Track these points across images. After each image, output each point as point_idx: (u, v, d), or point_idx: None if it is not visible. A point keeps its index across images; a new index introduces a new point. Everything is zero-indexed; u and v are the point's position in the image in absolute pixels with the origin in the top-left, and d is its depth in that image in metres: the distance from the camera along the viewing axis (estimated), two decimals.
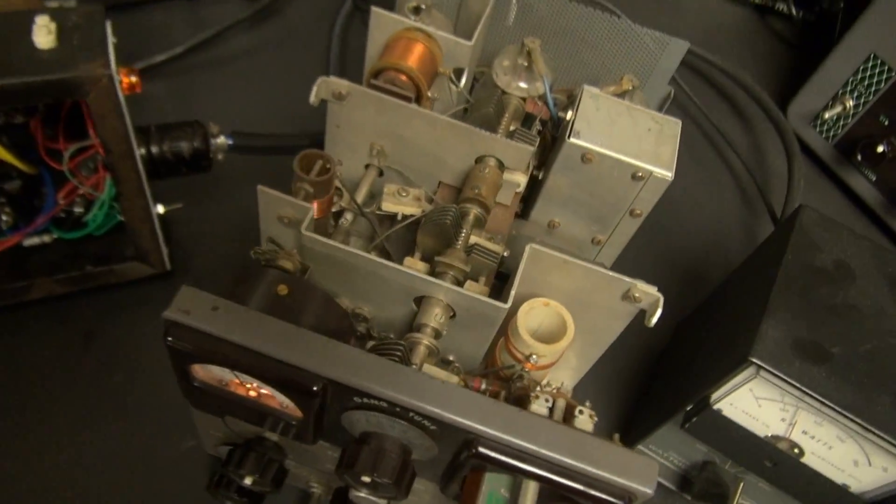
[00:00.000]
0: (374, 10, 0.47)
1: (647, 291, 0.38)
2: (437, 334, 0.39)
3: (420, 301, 0.39)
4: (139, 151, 0.46)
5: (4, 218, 0.48)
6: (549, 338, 0.40)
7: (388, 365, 0.32)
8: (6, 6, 0.45)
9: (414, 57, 0.46)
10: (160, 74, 0.66)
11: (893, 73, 0.67)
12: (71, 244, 0.51)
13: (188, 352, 0.31)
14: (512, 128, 0.48)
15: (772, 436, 0.44)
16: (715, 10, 0.90)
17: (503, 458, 0.32)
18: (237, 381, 0.34)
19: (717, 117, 0.75)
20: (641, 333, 0.42)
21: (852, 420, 0.39)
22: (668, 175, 0.44)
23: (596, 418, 0.35)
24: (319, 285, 0.39)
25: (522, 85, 0.50)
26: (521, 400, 0.37)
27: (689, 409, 0.45)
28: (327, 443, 0.39)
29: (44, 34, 0.41)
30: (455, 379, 0.38)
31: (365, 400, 0.32)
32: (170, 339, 0.31)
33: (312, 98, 0.42)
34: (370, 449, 0.33)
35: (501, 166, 0.45)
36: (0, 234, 0.48)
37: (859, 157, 0.70)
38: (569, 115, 0.45)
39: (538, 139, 0.48)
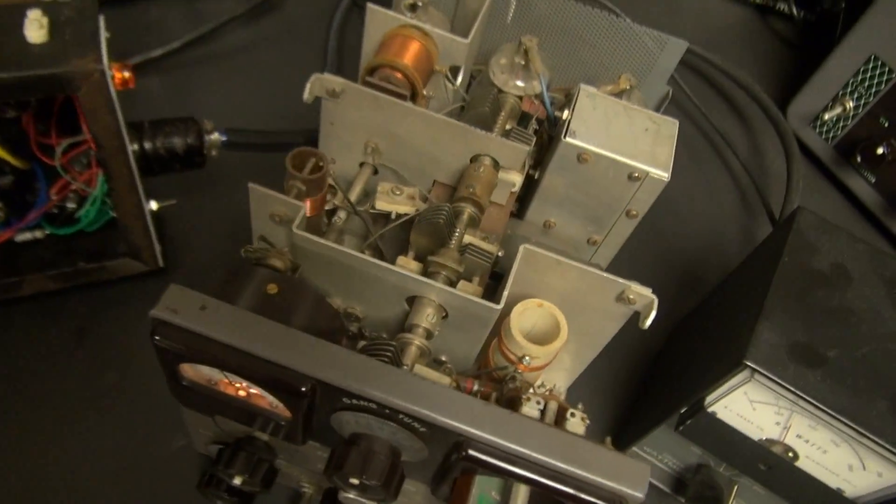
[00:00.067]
0: (370, 6, 0.47)
1: (642, 293, 0.38)
2: (429, 335, 0.38)
3: (412, 301, 0.39)
4: (131, 147, 0.45)
5: None
6: (543, 339, 0.39)
7: (377, 366, 0.32)
8: None
9: (410, 54, 0.46)
10: (156, 69, 0.66)
11: (894, 75, 0.66)
12: (63, 240, 0.51)
13: (176, 351, 0.31)
14: (508, 127, 0.48)
15: (766, 439, 0.43)
16: (715, 10, 0.90)
17: (493, 460, 0.31)
18: (226, 380, 0.34)
19: (716, 117, 0.74)
20: (637, 335, 0.42)
21: (847, 424, 0.38)
22: (665, 176, 0.43)
23: (588, 421, 0.35)
24: (311, 284, 0.39)
25: (519, 83, 0.50)
26: (512, 402, 0.37)
27: (683, 411, 0.45)
28: (317, 443, 0.38)
29: (35, 28, 0.40)
30: (447, 380, 0.38)
31: (354, 401, 0.32)
32: (157, 338, 0.31)
33: (306, 95, 0.42)
34: (359, 450, 0.33)
35: (497, 165, 0.45)
36: None
37: (859, 159, 0.69)
38: (565, 114, 0.45)
39: (534, 138, 0.47)
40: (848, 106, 0.70)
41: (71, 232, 0.50)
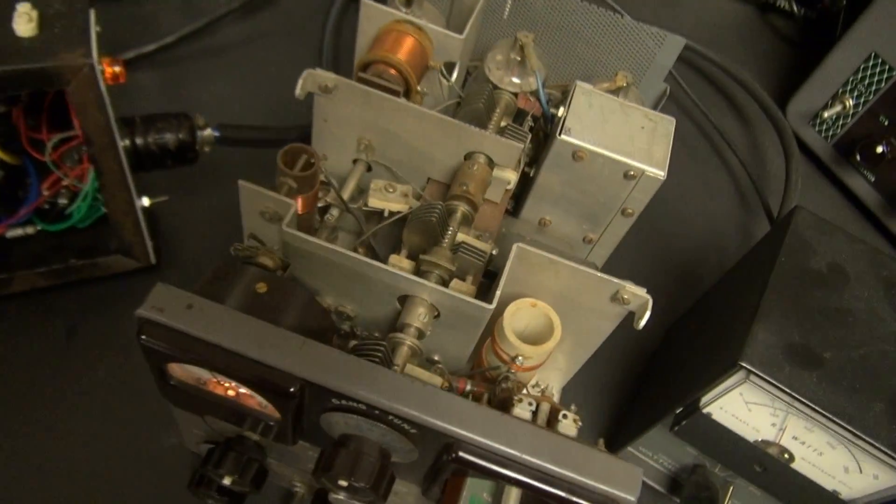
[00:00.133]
0: (365, 1, 0.46)
1: (636, 293, 0.37)
2: (421, 334, 0.38)
3: (404, 300, 0.39)
4: (122, 143, 0.45)
5: None
6: (536, 339, 0.39)
7: (366, 366, 0.31)
8: None
9: (404, 50, 0.46)
10: (151, 64, 0.65)
11: (894, 73, 0.66)
12: (55, 236, 0.50)
13: (162, 351, 0.31)
14: (503, 124, 0.47)
15: (761, 440, 0.43)
16: (715, 7, 0.89)
17: (483, 462, 0.31)
18: (215, 380, 0.33)
19: (714, 115, 0.74)
20: (633, 334, 0.41)
21: (843, 427, 0.38)
22: (661, 174, 0.43)
23: (580, 423, 0.35)
24: (301, 283, 0.38)
25: (515, 80, 0.49)
26: (504, 403, 0.36)
27: (678, 412, 0.44)
28: (308, 444, 0.38)
29: (24, 22, 0.40)
30: (438, 380, 0.37)
31: (343, 402, 0.31)
32: (143, 337, 0.30)
33: (298, 91, 0.41)
34: (348, 452, 0.33)
35: (491, 163, 0.44)
36: None
37: (858, 158, 0.69)
38: (561, 111, 0.44)
39: (529, 136, 0.47)
40: (848, 104, 0.70)
41: (62, 228, 0.50)
